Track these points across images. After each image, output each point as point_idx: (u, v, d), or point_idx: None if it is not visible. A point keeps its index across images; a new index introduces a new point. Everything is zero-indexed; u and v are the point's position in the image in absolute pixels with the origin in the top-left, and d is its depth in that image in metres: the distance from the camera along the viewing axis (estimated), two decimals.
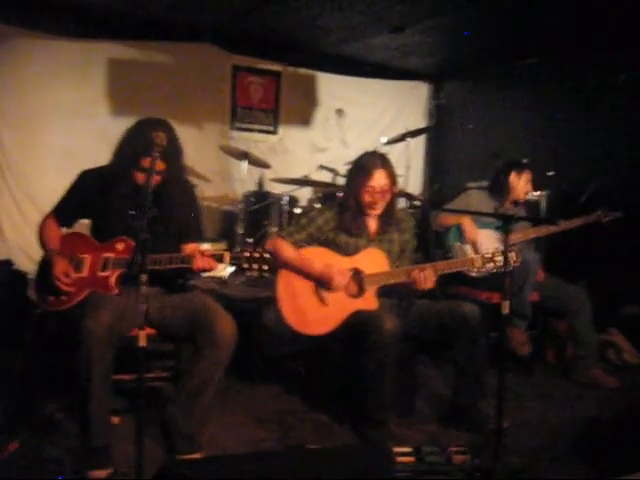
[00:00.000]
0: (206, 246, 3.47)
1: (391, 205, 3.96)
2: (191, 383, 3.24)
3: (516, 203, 4.97)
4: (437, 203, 6.72)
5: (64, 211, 3.55)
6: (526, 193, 4.95)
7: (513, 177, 4.91)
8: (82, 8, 6.12)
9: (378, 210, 3.90)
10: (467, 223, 4.77)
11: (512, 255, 3.58)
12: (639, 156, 5.80)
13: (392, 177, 3.89)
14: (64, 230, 3.56)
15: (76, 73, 6.42)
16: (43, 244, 3.50)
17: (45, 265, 3.42)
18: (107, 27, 6.44)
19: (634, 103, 5.82)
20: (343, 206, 3.99)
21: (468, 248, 4.74)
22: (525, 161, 5.17)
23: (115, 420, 3.40)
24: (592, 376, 4.71)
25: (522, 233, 4.81)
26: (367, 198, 3.84)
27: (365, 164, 3.89)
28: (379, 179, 3.82)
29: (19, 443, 3.20)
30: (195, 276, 3.55)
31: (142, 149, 3.17)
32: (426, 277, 3.67)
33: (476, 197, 4.97)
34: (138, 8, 6.07)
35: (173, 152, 3.37)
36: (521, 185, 4.90)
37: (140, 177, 3.31)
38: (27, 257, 5.87)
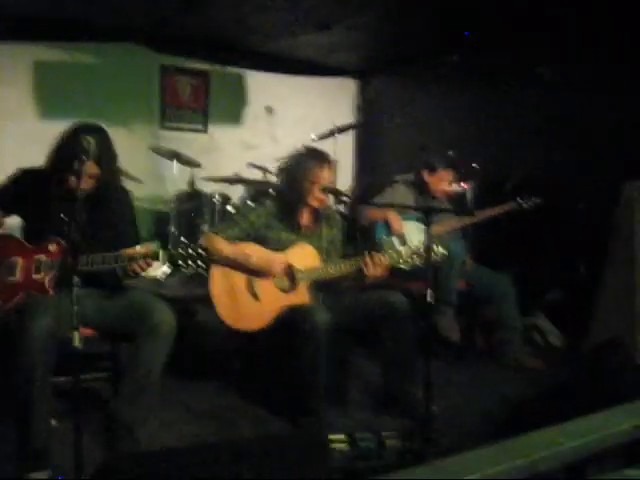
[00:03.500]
0: (139, 247, 3.50)
1: (323, 201, 4.08)
2: (135, 375, 3.27)
3: (435, 198, 5.11)
4: (365, 198, 6.86)
5: None
6: (442, 191, 5.09)
7: (426, 176, 5.06)
8: (4, 10, 6.04)
9: (320, 203, 4.00)
10: (393, 217, 4.89)
11: (438, 248, 3.73)
12: (558, 145, 6.00)
13: (335, 173, 4.05)
14: None
15: (1, 76, 6.35)
16: None
17: None
18: (32, 29, 6.36)
19: (552, 94, 6.01)
20: (280, 199, 4.08)
21: (395, 240, 4.87)
22: (450, 153, 5.30)
23: (53, 422, 3.41)
24: (519, 359, 4.90)
25: (447, 224, 4.96)
26: (314, 189, 3.93)
27: (315, 156, 4.01)
28: (328, 171, 3.96)
29: None
30: (130, 278, 3.55)
31: (73, 153, 3.19)
32: (376, 264, 3.80)
33: (401, 191, 5.09)
34: (62, 10, 6.02)
35: (106, 157, 3.38)
36: (434, 183, 5.04)
37: (72, 180, 3.30)
38: None
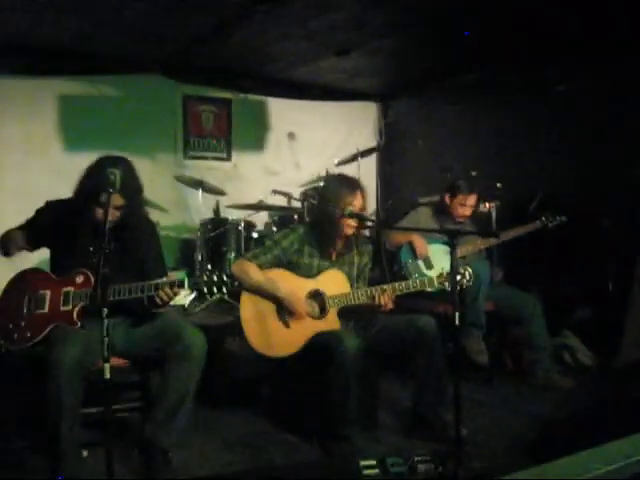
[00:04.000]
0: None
1: (355, 228, 4.07)
2: (167, 401, 3.31)
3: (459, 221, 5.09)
4: (389, 222, 6.85)
5: (26, 233, 3.58)
6: (463, 215, 5.06)
7: (448, 200, 5.05)
8: (29, 46, 6.15)
9: (352, 230, 4.00)
10: (417, 240, 4.88)
11: (467, 272, 3.71)
12: (582, 163, 5.97)
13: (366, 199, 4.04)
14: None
15: (27, 110, 6.43)
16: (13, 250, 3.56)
17: (6, 297, 3.47)
18: (56, 63, 6.47)
19: (574, 113, 6.00)
20: (312, 226, 4.09)
21: (421, 264, 4.86)
22: (473, 174, 5.29)
23: (84, 453, 3.42)
24: (549, 379, 4.85)
25: (471, 245, 4.94)
26: (349, 217, 3.93)
27: (346, 184, 4.02)
28: (360, 198, 3.96)
29: None
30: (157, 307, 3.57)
31: (99, 186, 3.23)
32: (386, 298, 3.79)
33: (424, 214, 5.10)
34: (86, 44, 6.11)
35: (132, 188, 3.42)
36: (454, 207, 5.02)
37: (98, 213, 3.35)
38: None
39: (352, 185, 4.00)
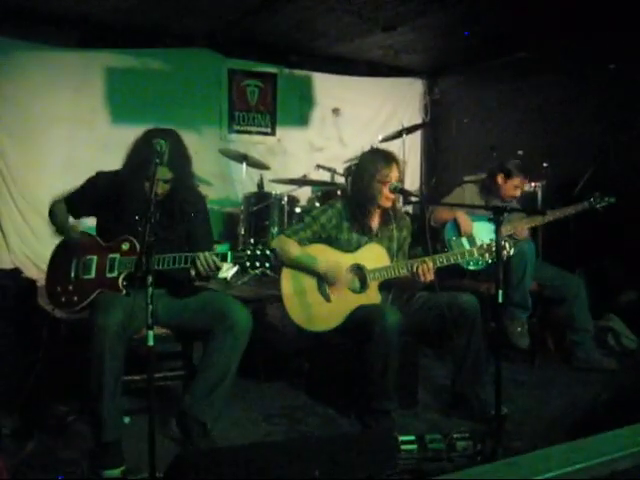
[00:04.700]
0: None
1: (393, 202, 4.07)
2: (209, 375, 3.33)
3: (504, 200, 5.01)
4: (434, 198, 6.81)
5: (74, 201, 3.62)
6: (512, 196, 4.97)
7: (500, 180, 4.95)
8: (79, 18, 6.21)
9: (390, 202, 3.99)
10: (462, 217, 4.84)
11: (505, 245, 3.65)
12: (631, 143, 5.87)
13: (402, 172, 4.02)
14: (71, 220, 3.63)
15: (75, 83, 6.53)
16: (58, 222, 3.59)
17: (55, 262, 3.54)
18: (104, 36, 6.54)
19: (624, 92, 5.89)
20: (350, 201, 4.08)
21: (464, 241, 4.82)
22: (519, 153, 5.23)
23: (127, 420, 3.47)
24: (591, 361, 4.81)
25: (517, 223, 4.89)
26: (384, 189, 3.91)
27: (383, 157, 3.99)
28: (396, 170, 3.94)
29: (35, 445, 3.30)
30: (201, 279, 3.60)
31: (146, 158, 3.25)
32: (425, 269, 3.76)
33: (470, 191, 5.04)
34: (134, 17, 6.15)
35: (180, 160, 3.44)
36: (506, 188, 4.93)
37: (147, 184, 3.36)
38: (34, 266, 5.98)
39: (387, 158, 3.97)
